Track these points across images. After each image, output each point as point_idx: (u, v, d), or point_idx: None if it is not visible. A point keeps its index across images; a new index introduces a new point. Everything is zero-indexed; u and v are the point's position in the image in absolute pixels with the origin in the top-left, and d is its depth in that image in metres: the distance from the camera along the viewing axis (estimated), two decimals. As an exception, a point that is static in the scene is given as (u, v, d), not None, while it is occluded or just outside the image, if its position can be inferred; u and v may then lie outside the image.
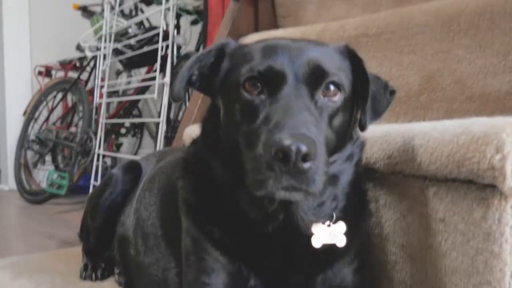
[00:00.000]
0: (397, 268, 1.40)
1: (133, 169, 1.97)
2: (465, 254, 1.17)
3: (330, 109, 1.18)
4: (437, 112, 1.96)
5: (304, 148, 1.00)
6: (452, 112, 1.90)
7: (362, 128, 1.28)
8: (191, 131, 2.37)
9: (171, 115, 4.42)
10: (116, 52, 4.90)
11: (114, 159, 5.74)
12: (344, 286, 1.35)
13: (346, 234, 1.29)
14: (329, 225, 1.28)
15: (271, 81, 1.17)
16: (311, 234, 1.26)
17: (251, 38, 2.72)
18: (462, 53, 1.90)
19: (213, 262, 1.31)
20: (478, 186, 1.14)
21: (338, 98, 1.20)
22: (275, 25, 3.02)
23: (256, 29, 2.95)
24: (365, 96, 1.26)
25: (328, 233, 1.27)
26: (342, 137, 1.25)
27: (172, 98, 1.33)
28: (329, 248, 1.28)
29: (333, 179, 1.27)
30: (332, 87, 1.19)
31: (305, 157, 1.01)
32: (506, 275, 1.09)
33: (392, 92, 1.35)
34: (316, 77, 1.18)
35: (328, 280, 1.33)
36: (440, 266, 1.25)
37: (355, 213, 1.35)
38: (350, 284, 1.35)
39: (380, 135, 1.43)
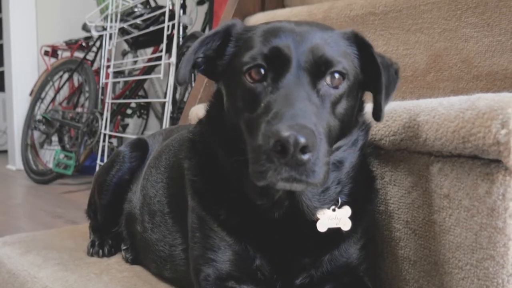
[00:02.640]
0: (401, 244, 1.41)
1: (140, 147, 1.97)
2: (469, 229, 1.18)
3: (333, 97, 1.16)
4: (443, 91, 1.95)
5: (302, 140, 0.98)
6: (459, 92, 1.88)
7: (378, 118, 1.24)
8: (197, 110, 2.37)
9: (177, 96, 4.43)
10: (122, 31, 4.90)
11: (120, 140, 5.78)
12: (350, 263, 1.36)
13: (352, 217, 1.29)
14: (334, 210, 1.28)
15: (276, 63, 1.14)
16: (316, 219, 1.26)
17: (257, 18, 2.71)
18: (469, 31, 1.89)
19: (219, 240, 1.32)
20: (483, 161, 1.14)
21: (342, 86, 1.17)
22: (281, 4, 2.99)
23: (263, 8, 2.93)
24: (374, 82, 1.23)
25: (333, 218, 1.27)
26: (347, 123, 1.23)
27: (178, 81, 1.30)
28: (335, 231, 1.28)
29: (337, 165, 1.27)
30: (336, 76, 1.17)
31: (304, 149, 0.99)
32: (510, 249, 1.09)
33: (397, 71, 1.31)
34: (319, 66, 1.15)
35: (334, 259, 1.33)
36: (443, 242, 1.26)
37: (361, 196, 1.35)
38: (356, 261, 1.36)
39: (386, 112, 1.43)
